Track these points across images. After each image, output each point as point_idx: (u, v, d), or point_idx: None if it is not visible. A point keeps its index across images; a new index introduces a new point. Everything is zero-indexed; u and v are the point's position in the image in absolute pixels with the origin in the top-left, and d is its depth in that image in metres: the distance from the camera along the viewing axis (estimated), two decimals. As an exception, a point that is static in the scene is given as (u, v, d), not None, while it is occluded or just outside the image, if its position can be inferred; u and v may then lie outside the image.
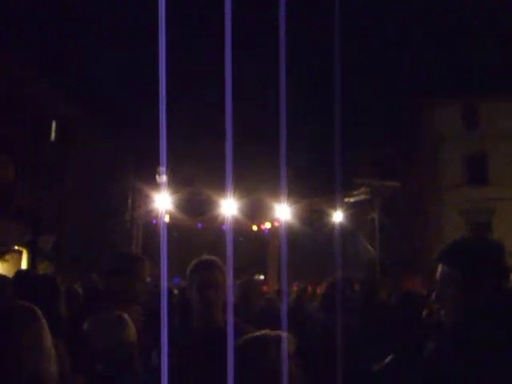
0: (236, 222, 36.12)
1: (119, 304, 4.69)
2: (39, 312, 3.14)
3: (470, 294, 2.64)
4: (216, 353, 3.74)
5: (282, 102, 1.87)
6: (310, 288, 26.31)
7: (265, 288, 26.39)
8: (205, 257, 4.57)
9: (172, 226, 35.65)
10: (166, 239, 2.01)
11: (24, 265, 33.78)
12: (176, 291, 16.08)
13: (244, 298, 6.27)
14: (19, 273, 7.45)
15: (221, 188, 31.84)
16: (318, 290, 25.46)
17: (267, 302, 7.48)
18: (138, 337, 4.27)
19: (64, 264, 34.83)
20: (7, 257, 30.02)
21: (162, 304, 2.05)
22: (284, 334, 2.99)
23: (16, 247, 33.24)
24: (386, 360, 4.51)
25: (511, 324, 2.56)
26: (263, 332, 3.09)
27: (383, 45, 76.34)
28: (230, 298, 4.74)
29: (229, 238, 2.18)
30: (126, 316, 4.25)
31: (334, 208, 37.27)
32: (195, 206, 40.04)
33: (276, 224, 39.60)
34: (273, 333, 3.06)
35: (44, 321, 3.10)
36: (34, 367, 2.88)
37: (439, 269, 2.82)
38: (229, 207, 27.63)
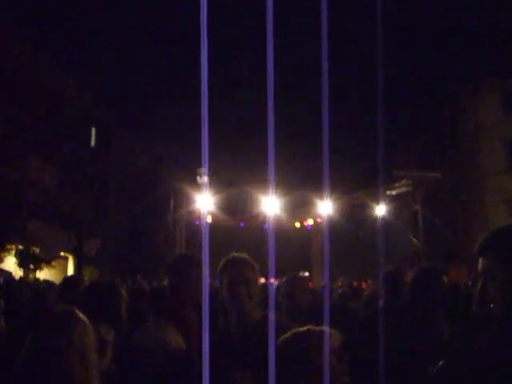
0: (278, 219, 36.16)
1: (184, 307, 4.72)
2: (79, 314, 3.27)
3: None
4: (253, 349, 3.76)
5: (324, 97, 1.86)
6: (355, 283, 26.19)
7: (310, 284, 26.35)
8: (233, 254, 4.55)
9: (214, 227, 35.81)
10: (207, 240, 2.01)
11: (70, 270, 34.22)
12: None
13: (290, 295, 6.26)
14: (67, 278, 7.54)
15: (262, 186, 31.88)
16: (364, 286, 25.39)
17: (313, 298, 7.44)
18: (198, 340, 4.33)
19: (108, 268, 35.19)
20: (54, 263, 30.40)
21: (203, 306, 2.05)
22: (327, 330, 2.99)
23: (62, 253, 33.68)
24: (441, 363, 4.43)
25: None
26: (306, 328, 3.09)
27: (423, 30, 75.62)
28: (272, 295, 4.74)
29: (271, 236, 2.17)
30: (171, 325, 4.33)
31: (377, 201, 37.07)
32: (237, 206, 40.21)
33: (318, 220, 39.58)
34: (316, 328, 3.05)
35: (86, 321, 3.24)
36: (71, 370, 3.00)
37: (480, 262, 2.69)
38: (271, 205, 27.63)
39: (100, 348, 3.88)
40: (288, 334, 3.08)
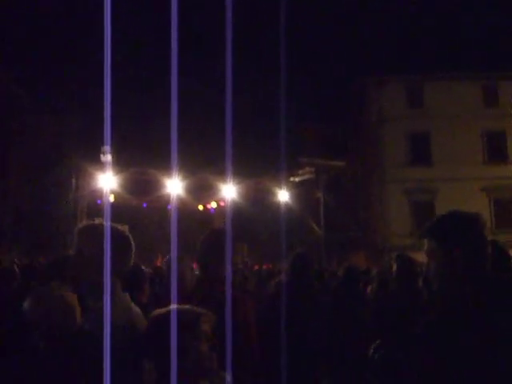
0: (181, 201, 36.01)
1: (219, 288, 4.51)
2: None
3: (451, 264, 2.78)
4: None
5: (228, 78, 1.87)
6: (256, 267, 26.43)
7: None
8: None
9: (117, 206, 35.35)
10: (109, 219, 2.00)
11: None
12: None
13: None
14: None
15: (166, 168, 31.67)
16: (265, 268, 25.64)
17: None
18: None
19: (6, 249, 34.35)
20: None
21: (105, 289, 2.04)
22: (199, 310, 3.04)
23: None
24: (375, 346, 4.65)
25: (493, 290, 2.70)
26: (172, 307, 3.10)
27: (332, 20, 76.55)
28: (174, 276, 4.73)
29: (173, 217, 2.18)
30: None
31: (280, 187, 37.41)
32: (140, 186, 39.79)
33: (222, 204, 39.58)
34: (183, 308, 3.08)
35: None
36: None
37: (425, 244, 2.97)
38: (174, 187, 27.49)
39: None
40: (160, 311, 3.11)
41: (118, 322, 3.20)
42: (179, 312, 2.97)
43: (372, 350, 4.68)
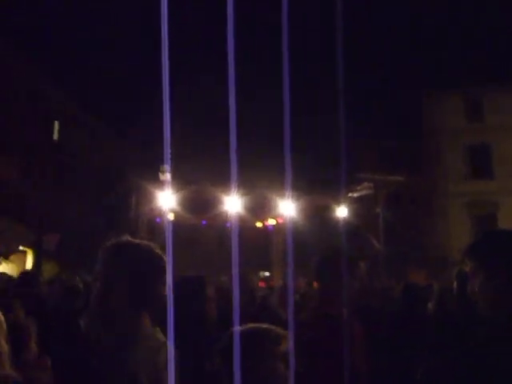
0: (240, 218, 36.12)
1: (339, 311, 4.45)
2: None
3: (493, 286, 2.67)
4: None
5: (286, 96, 1.86)
6: (315, 283, 26.26)
7: (272, 283, 26.33)
8: None
9: (176, 224, 35.62)
10: (171, 237, 2.00)
11: (29, 265, 33.82)
12: None
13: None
14: (24, 274, 7.44)
15: (225, 185, 31.83)
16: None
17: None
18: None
19: (69, 263, 34.86)
20: (12, 257, 30.05)
21: (168, 305, 2.04)
22: (280, 331, 2.99)
23: (20, 247, 33.28)
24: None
25: None
26: (264, 325, 3.07)
27: (388, 37, 76.24)
28: (236, 295, 4.71)
29: (233, 234, 2.18)
30: None
31: (339, 203, 37.25)
32: (199, 204, 40.08)
33: (280, 220, 39.59)
34: (271, 328, 3.04)
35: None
36: None
37: (470, 264, 2.84)
38: (233, 204, 27.58)
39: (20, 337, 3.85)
40: (245, 327, 3.05)
41: (138, 373, 2.86)
42: (261, 331, 2.95)
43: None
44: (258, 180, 37.49)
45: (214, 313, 4.96)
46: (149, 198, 41.09)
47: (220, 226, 38.28)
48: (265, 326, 3.06)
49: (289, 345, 2.98)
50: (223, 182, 31.66)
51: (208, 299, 4.79)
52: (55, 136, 40.63)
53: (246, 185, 33.35)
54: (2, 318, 3.38)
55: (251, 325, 3.02)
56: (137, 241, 3.24)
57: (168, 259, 2.08)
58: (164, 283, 2.95)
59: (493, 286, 2.67)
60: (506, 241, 2.78)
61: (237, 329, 2.98)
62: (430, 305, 8.66)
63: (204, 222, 43.13)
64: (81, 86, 46.92)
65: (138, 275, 2.89)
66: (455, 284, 6.01)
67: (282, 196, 33.07)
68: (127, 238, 3.15)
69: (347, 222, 36.89)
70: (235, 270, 2.06)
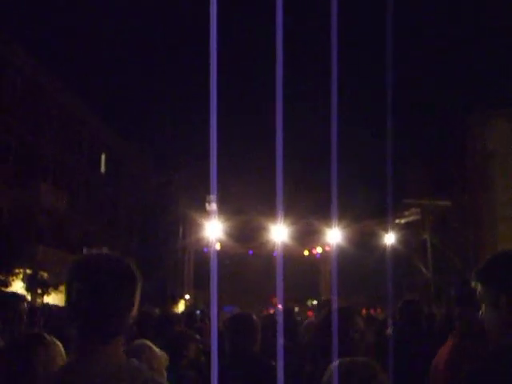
0: (287, 247, 36.07)
1: None
2: (46, 338, 3.33)
3: (497, 311, 2.57)
4: None
5: (334, 128, 1.87)
6: (364, 311, 26.06)
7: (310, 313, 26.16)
8: None
9: (223, 254, 35.74)
10: (215, 268, 1.99)
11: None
12: None
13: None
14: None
15: (271, 214, 31.89)
16: (372, 313, 25.28)
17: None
18: None
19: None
20: (61, 288, 30.32)
21: (212, 337, 2.02)
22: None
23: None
24: None
25: None
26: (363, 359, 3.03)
27: (434, 60, 75.95)
28: (280, 322, 4.69)
29: (279, 264, 2.17)
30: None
31: (386, 230, 36.96)
32: (246, 234, 40.17)
33: (327, 248, 39.46)
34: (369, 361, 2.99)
35: (52, 344, 3.28)
36: None
37: (478, 288, 2.71)
38: (279, 233, 27.56)
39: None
40: (345, 361, 3.00)
41: None
42: (359, 364, 2.92)
43: None
44: (305, 208, 37.50)
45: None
46: (196, 229, 41.37)
47: (267, 255, 38.28)
48: (361, 359, 3.03)
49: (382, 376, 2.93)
50: (270, 211, 31.72)
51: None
52: (102, 169, 41.20)
53: (293, 213, 33.38)
54: (59, 350, 3.40)
55: (348, 359, 2.98)
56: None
57: (213, 289, 2.05)
58: (132, 305, 2.35)
59: (497, 312, 2.57)
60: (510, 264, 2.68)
61: (335, 363, 2.95)
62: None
63: (251, 252, 43.20)
64: (129, 121, 47.60)
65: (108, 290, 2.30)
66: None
67: (329, 224, 32.96)
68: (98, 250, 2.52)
69: (395, 249, 36.54)
70: (280, 299, 2.04)
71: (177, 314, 14.78)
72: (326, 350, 3.28)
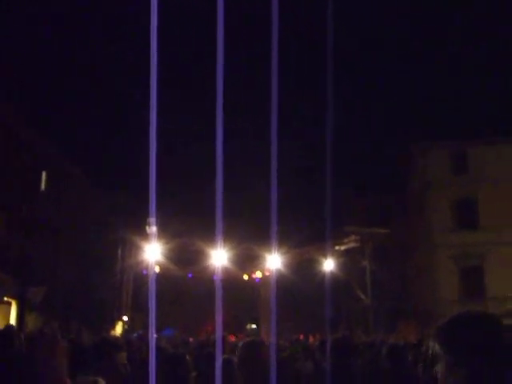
0: (226, 271, 36.08)
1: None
2: None
3: (457, 373, 2.52)
4: None
5: (274, 149, 1.88)
6: (301, 337, 26.10)
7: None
8: None
9: (163, 277, 35.50)
10: (154, 290, 1.98)
11: (13, 316, 33.48)
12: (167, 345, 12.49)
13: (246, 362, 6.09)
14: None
15: (211, 238, 31.80)
16: (311, 340, 25.34)
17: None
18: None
19: (53, 316, 34.54)
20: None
21: (150, 361, 2.01)
22: None
23: (5, 298, 32.97)
24: None
25: None
26: None
27: (374, 89, 77.12)
28: (220, 345, 4.66)
29: (218, 287, 2.17)
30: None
31: (325, 256, 37.25)
32: (185, 257, 40.03)
33: (267, 273, 39.55)
34: None
35: None
36: None
37: (436, 347, 2.64)
38: (219, 257, 27.54)
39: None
40: None
41: None
42: None
43: None
44: (245, 233, 37.52)
45: None
46: (135, 251, 41.01)
47: (207, 278, 38.16)
48: None
49: None
50: (209, 236, 31.65)
51: None
52: (42, 186, 40.50)
53: (233, 238, 33.38)
54: None
55: None
56: None
57: (151, 312, 2.04)
58: None
59: (453, 380, 2.53)
60: (470, 329, 2.59)
61: None
62: (419, 366, 8.50)
63: (190, 275, 43.02)
64: (67, 138, 47.09)
65: None
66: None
67: (269, 249, 33.08)
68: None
69: (334, 276, 36.78)
70: (219, 325, 2.04)
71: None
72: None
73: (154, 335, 2.16)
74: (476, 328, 2.58)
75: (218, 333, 3.87)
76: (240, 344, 6.20)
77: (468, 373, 2.47)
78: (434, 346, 2.61)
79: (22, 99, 43.47)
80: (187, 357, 4.86)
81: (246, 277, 41.60)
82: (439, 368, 2.59)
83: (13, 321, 32.07)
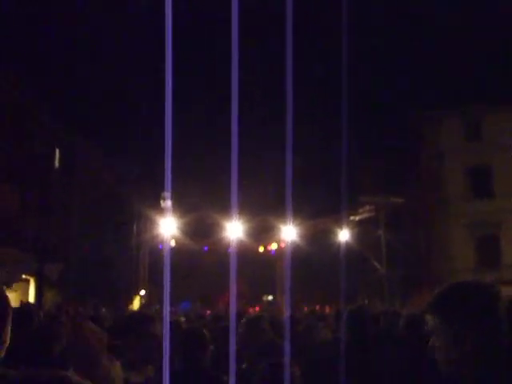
0: (242, 244, 36.13)
1: None
2: None
3: (457, 347, 2.47)
4: None
5: (289, 125, 1.87)
6: (318, 308, 26.19)
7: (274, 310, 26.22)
8: None
9: (178, 251, 35.62)
10: (169, 265, 1.98)
11: (32, 294, 33.74)
12: (183, 319, 12.49)
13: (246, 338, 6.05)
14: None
15: (226, 211, 31.85)
16: (327, 310, 25.44)
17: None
18: None
19: (70, 292, 34.80)
20: (15, 286, 29.93)
21: (164, 335, 2.00)
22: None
23: (23, 276, 33.21)
24: None
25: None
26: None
27: (388, 58, 76.46)
28: (233, 320, 4.65)
29: (232, 259, 2.17)
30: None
31: (340, 227, 37.19)
32: (201, 230, 40.14)
33: (282, 245, 39.59)
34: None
35: None
36: None
37: (429, 319, 2.63)
38: (234, 230, 27.56)
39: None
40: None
41: None
42: None
43: None
44: (260, 205, 37.56)
45: None
46: (150, 225, 41.14)
47: (222, 251, 38.28)
48: None
49: None
50: (225, 208, 31.68)
51: None
52: (56, 164, 40.56)
53: (248, 210, 33.41)
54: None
55: None
56: None
57: (165, 287, 2.03)
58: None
59: (457, 348, 2.48)
60: (470, 295, 2.57)
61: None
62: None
63: (206, 248, 43.17)
64: (81, 114, 47.10)
65: None
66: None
67: (284, 221, 33.07)
68: None
69: (350, 246, 36.74)
70: (232, 297, 2.04)
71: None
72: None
73: (168, 309, 2.15)
74: (476, 297, 2.53)
75: (232, 307, 3.86)
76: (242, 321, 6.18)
77: (472, 344, 2.44)
78: (433, 319, 2.55)
79: (34, 76, 43.47)
80: (204, 330, 4.85)
81: (261, 249, 41.69)
82: (437, 341, 2.56)
83: (31, 298, 32.35)
